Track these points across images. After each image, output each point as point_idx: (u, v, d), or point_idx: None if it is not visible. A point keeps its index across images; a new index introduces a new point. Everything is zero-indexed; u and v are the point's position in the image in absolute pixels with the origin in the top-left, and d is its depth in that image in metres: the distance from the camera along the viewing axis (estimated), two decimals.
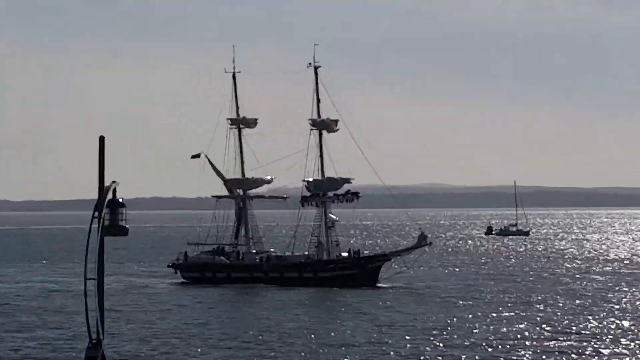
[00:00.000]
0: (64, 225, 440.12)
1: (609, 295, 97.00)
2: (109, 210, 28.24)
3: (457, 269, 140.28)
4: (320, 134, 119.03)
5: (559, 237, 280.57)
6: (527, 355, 58.44)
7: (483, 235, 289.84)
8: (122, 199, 29.01)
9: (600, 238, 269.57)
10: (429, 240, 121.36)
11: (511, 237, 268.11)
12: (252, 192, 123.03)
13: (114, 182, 28.41)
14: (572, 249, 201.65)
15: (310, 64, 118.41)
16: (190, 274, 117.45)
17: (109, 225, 28.25)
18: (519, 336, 66.21)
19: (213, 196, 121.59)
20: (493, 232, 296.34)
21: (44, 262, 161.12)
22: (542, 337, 66.32)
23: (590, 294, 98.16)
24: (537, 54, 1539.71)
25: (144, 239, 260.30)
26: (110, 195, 28.27)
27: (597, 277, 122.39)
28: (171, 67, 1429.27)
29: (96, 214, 27.54)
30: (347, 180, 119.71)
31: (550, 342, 63.63)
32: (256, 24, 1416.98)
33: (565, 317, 76.92)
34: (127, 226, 28.98)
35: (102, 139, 28.45)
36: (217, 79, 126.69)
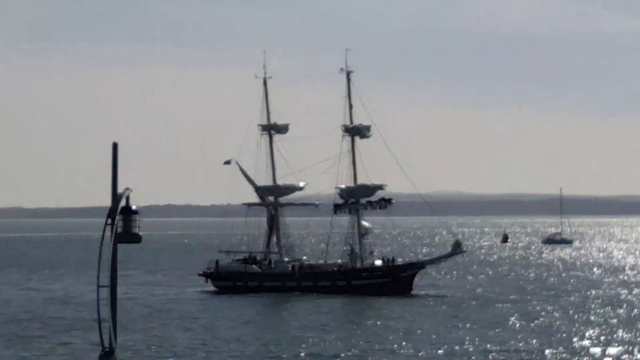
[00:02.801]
0: (78, 233, 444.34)
1: None
2: (122, 218, 28.63)
3: (493, 278, 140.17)
4: (353, 140, 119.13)
5: (602, 246, 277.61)
6: None
7: (498, 244, 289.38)
8: (136, 206, 29.39)
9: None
10: (464, 248, 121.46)
11: (555, 245, 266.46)
12: (284, 199, 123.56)
13: (127, 189, 28.88)
14: (616, 258, 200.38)
15: (342, 69, 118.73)
16: (221, 283, 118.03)
17: (122, 232, 28.65)
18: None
19: (244, 204, 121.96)
20: (509, 241, 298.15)
21: (58, 270, 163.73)
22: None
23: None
24: (581, 60, 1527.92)
25: (167, 247, 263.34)
26: (123, 203, 28.68)
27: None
28: (201, 73, 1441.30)
29: (109, 221, 27.96)
30: (380, 187, 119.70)
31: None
32: (287, 29, 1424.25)
33: (608, 329, 76.66)
34: (140, 234, 29.34)
35: (115, 146, 28.89)
36: (247, 85, 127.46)
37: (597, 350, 63.89)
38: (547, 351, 63.61)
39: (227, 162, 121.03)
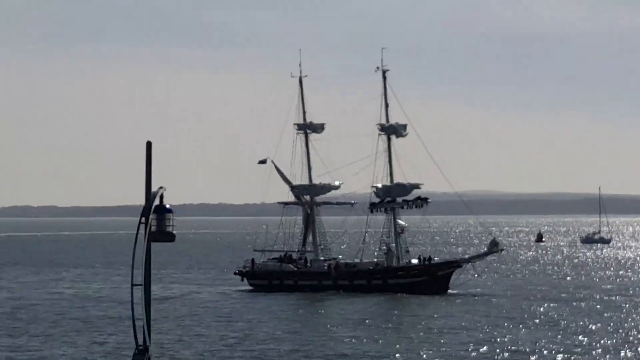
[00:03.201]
0: (112, 232, 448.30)
1: None
2: (156, 216, 28.74)
3: (528, 276, 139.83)
4: (389, 139, 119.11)
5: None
6: None
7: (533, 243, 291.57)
8: (170, 204, 29.47)
9: None
10: (501, 246, 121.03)
11: (593, 244, 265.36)
12: (320, 198, 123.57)
13: (161, 187, 28.98)
14: None
15: (378, 67, 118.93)
16: (257, 282, 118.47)
17: (156, 231, 28.75)
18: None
19: (280, 202, 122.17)
20: (544, 240, 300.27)
21: (93, 268, 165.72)
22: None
23: None
24: (618, 58, 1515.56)
25: (201, 245, 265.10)
26: (157, 201, 28.78)
27: None
28: (237, 72, 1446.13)
29: (143, 219, 28.04)
30: (417, 186, 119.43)
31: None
32: (323, 28, 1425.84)
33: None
34: (174, 232, 29.38)
35: (149, 145, 28.99)
36: (283, 84, 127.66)
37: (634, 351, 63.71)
38: (578, 349, 63.46)
39: (263, 162, 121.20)
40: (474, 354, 62.62)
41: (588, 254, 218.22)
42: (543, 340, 68.33)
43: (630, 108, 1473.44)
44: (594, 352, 63.43)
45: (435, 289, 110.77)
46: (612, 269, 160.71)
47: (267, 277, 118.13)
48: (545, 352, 63.10)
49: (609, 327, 76.48)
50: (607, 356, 61.67)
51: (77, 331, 77.22)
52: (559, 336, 70.72)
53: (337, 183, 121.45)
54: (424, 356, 61.60)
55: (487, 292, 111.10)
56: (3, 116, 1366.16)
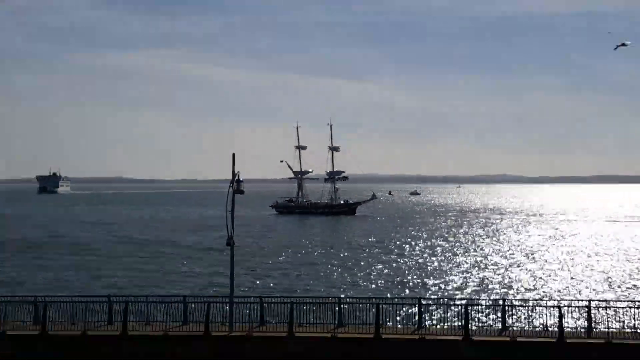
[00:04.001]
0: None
1: None
2: (236, 182, 50.41)
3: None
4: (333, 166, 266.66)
5: None
6: None
7: None
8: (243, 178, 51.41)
9: None
10: (375, 197, 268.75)
11: (415, 196, 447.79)
12: (305, 176, 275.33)
13: (238, 171, 50.75)
14: None
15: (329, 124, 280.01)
16: (279, 209, 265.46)
17: (237, 188, 50.57)
18: None
19: (289, 178, 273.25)
20: (418, 193, 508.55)
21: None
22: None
23: None
24: None
25: (258, 195, 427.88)
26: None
27: None
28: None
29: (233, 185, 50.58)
30: (343, 172, 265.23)
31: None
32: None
33: None
34: (243, 190, 51.28)
35: (233, 155, 50.20)
36: (290, 154, 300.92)
37: None
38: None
39: (282, 161, 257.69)
40: (369, 240, 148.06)
41: (414, 200, 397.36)
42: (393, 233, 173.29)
43: None
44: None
45: (349, 213, 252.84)
46: (425, 209, 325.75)
47: (283, 207, 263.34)
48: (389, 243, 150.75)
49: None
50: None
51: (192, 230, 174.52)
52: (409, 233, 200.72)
53: (311, 170, 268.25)
54: (345, 238, 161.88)
55: (369, 214, 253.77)
56: None
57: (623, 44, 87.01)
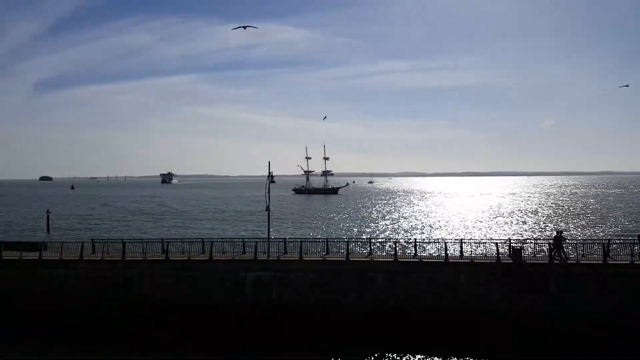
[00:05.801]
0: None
1: None
2: (271, 175, 49.72)
3: None
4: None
5: None
6: None
7: None
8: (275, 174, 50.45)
9: None
10: (348, 184, 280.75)
11: (375, 184, 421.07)
12: (310, 175, 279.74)
13: (271, 171, 48.81)
14: None
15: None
16: (296, 190, 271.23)
17: (271, 179, 49.32)
18: None
19: (301, 174, 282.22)
20: (372, 183, 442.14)
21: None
22: None
23: None
24: None
25: (284, 184, 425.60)
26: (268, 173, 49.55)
27: None
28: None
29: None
30: (330, 171, 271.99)
31: None
32: None
33: None
34: (275, 181, 50.02)
35: (269, 163, 48.50)
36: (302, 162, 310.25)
37: None
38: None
39: (299, 166, 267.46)
40: (343, 207, 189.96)
41: (370, 186, 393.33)
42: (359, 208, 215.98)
43: None
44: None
45: (334, 193, 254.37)
46: (375, 190, 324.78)
47: (299, 190, 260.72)
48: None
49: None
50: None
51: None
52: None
53: (313, 170, 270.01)
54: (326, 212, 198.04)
55: (345, 194, 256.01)
56: None
57: None
